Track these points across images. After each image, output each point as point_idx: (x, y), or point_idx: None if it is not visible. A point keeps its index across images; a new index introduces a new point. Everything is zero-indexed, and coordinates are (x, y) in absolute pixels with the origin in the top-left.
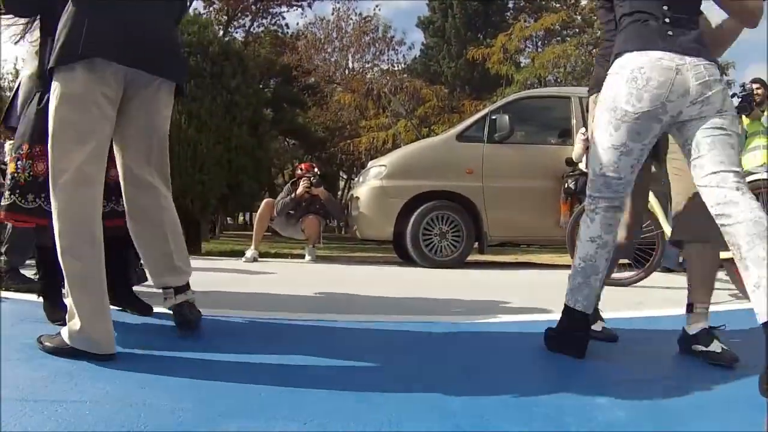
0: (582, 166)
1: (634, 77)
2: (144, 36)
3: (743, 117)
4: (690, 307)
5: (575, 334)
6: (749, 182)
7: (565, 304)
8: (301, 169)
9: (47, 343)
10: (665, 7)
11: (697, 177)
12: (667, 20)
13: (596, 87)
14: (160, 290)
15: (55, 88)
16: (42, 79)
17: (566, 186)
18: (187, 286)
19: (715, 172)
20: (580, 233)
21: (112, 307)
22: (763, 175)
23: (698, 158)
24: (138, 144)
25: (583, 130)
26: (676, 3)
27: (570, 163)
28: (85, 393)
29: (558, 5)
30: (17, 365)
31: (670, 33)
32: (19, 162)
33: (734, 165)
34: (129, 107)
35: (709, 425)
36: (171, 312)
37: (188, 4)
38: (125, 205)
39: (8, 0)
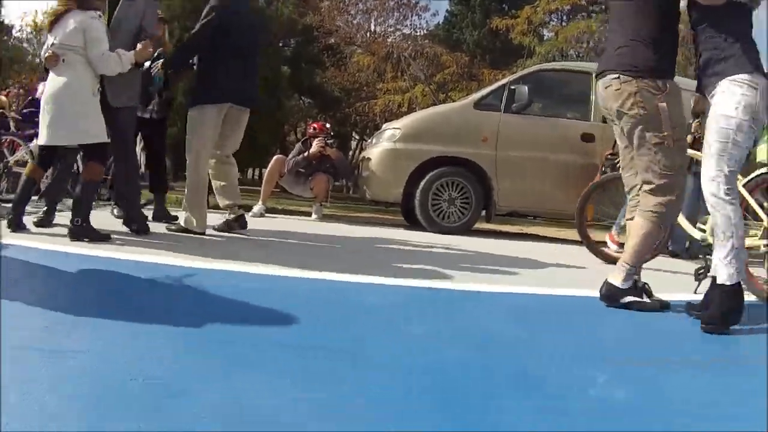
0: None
1: (764, 96)
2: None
3: None
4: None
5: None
6: (763, 173)
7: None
8: (314, 128)
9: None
10: None
11: None
12: None
13: (646, 72)
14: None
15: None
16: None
17: (604, 169)
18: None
19: None
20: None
21: None
22: None
23: None
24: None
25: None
26: None
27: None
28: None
29: None
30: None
31: None
32: None
33: None
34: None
35: (710, 412)
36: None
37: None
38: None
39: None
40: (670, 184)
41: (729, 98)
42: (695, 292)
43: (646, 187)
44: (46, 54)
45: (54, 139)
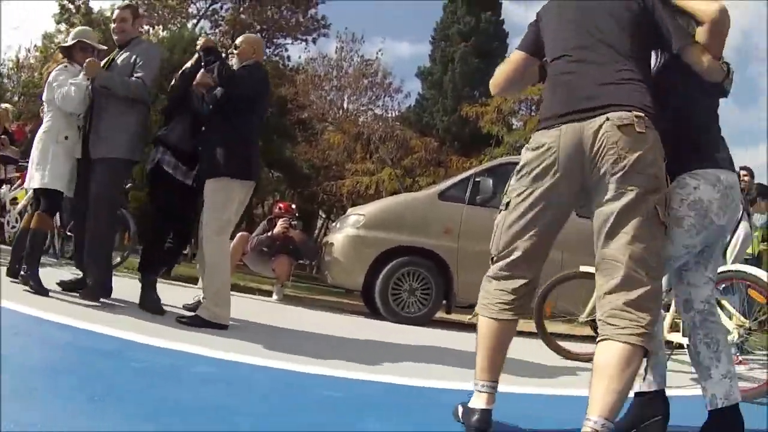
0: None
1: (725, 195)
2: None
3: None
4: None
5: None
6: (721, 272)
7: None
8: (280, 208)
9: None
10: None
11: None
12: None
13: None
14: None
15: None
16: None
17: None
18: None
19: None
20: None
21: None
22: (737, 267)
23: None
24: None
25: None
26: None
27: None
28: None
29: None
30: None
31: None
32: None
33: None
34: None
35: None
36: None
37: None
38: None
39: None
40: (660, 286)
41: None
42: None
43: (631, 286)
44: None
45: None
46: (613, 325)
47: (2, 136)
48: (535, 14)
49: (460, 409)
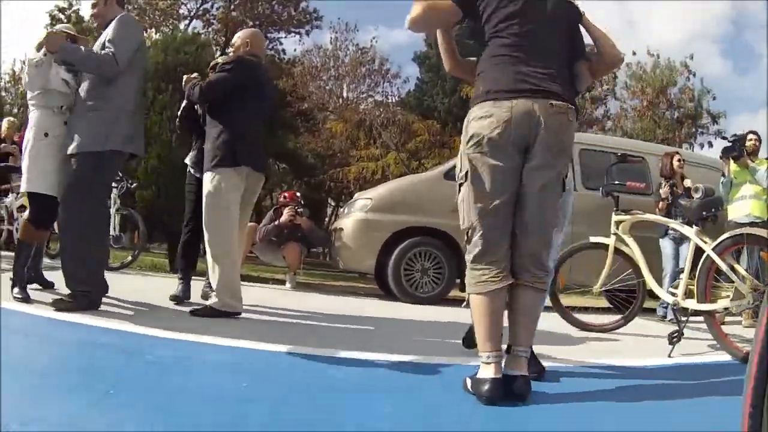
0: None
1: None
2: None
3: (731, 163)
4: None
5: None
6: (733, 235)
7: None
8: (285, 197)
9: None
10: None
11: None
12: None
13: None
14: None
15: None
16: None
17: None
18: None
19: None
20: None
21: None
22: (747, 230)
23: None
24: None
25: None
26: None
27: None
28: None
29: None
30: None
31: None
32: None
33: None
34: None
35: None
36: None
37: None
38: None
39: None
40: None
41: None
42: (669, 356)
43: (540, 245)
44: None
45: None
46: (529, 272)
47: (12, 146)
48: None
49: (469, 382)
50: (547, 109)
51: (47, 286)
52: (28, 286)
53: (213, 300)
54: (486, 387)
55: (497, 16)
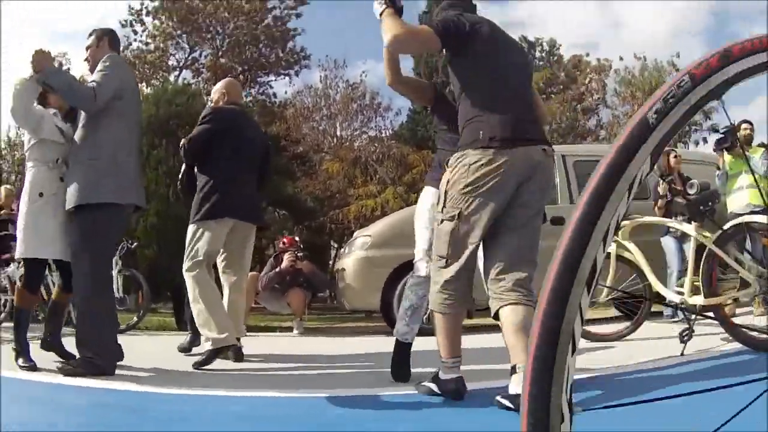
0: None
1: None
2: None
3: (725, 155)
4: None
5: None
6: (733, 226)
7: None
8: (284, 243)
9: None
10: None
11: None
12: None
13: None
14: None
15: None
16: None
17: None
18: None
19: None
20: None
21: None
22: (745, 218)
23: None
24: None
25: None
26: None
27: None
28: None
29: (541, 63)
30: None
31: None
32: None
33: None
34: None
35: None
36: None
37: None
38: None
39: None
40: None
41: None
42: (682, 354)
43: (529, 269)
44: None
45: None
46: (518, 292)
47: (12, 212)
48: (466, 23)
49: (431, 385)
50: (542, 155)
51: (67, 357)
52: (49, 353)
53: (206, 345)
54: (452, 386)
55: (488, 61)
